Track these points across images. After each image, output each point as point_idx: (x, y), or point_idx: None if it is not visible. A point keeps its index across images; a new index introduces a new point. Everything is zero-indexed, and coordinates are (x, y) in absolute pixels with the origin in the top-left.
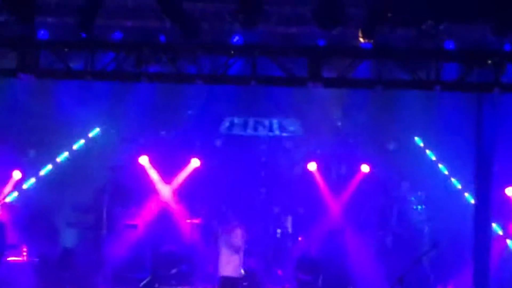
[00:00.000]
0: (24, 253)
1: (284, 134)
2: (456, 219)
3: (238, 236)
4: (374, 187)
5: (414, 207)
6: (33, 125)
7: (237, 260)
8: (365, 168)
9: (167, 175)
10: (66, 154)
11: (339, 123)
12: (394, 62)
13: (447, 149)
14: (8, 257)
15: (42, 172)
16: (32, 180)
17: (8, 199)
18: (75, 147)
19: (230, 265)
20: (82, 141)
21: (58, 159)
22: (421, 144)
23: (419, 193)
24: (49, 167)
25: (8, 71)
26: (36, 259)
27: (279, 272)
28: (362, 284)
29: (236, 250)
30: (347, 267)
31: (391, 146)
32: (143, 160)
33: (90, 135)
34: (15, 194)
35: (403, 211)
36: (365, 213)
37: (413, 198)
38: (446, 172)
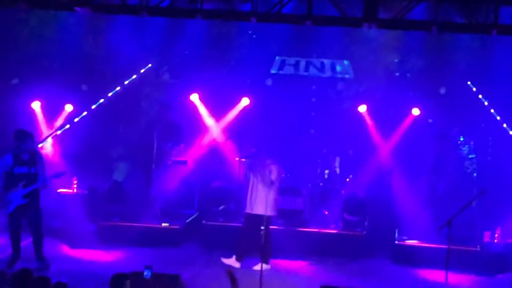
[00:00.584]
0: (75, 185)
1: (336, 76)
2: (506, 166)
3: (274, 172)
4: (426, 132)
5: (465, 152)
6: (86, 60)
7: (272, 197)
8: (415, 112)
9: (217, 113)
10: (117, 89)
11: (392, 67)
12: (451, 4)
13: (500, 96)
14: (58, 189)
15: (94, 106)
16: (84, 113)
17: (59, 132)
18: (126, 82)
19: (265, 203)
20: (134, 77)
21: (110, 94)
22: (474, 89)
23: (471, 142)
24: (101, 101)
25: (64, 5)
26: (86, 192)
27: (326, 212)
28: (408, 227)
29: (271, 186)
30: (394, 209)
31: (443, 91)
32: (194, 97)
33: (142, 71)
34: (67, 127)
35: (457, 158)
36: (416, 156)
37: (466, 147)
38: (498, 118)
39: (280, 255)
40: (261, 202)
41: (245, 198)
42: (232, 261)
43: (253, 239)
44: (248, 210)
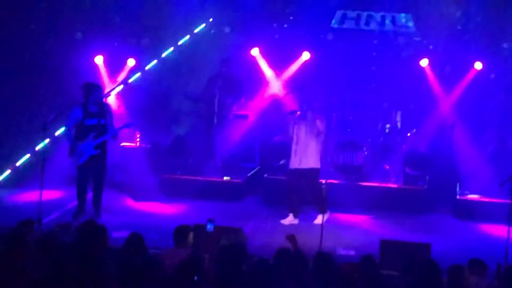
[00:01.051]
0: (138, 139)
1: (397, 30)
2: None
3: (322, 123)
4: (489, 86)
5: None
6: (147, 14)
7: (315, 150)
8: (478, 66)
9: (278, 67)
10: (186, 38)
11: (454, 21)
12: None
13: None
14: (122, 143)
15: (154, 62)
16: (153, 63)
17: (122, 86)
18: (187, 37)
19: (312, 156)
20: (196, 30)
21: (170, 50)
22: None
23: None
24: (164, 55)
25: None
26: (149, 146)
27: (387, 166)
28: (470, 182)
29: (315, 139)
30: (456, 164)
31: (506, 45)
32: (255, 51)
33: (203, 25)
34: (130, 81)
35: None
36: (478, 111)
37: None
38: None
39: (341, 209)
40: (306, 155)
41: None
42: (290, 219)
43: (303, 194)
44: (293, 166)
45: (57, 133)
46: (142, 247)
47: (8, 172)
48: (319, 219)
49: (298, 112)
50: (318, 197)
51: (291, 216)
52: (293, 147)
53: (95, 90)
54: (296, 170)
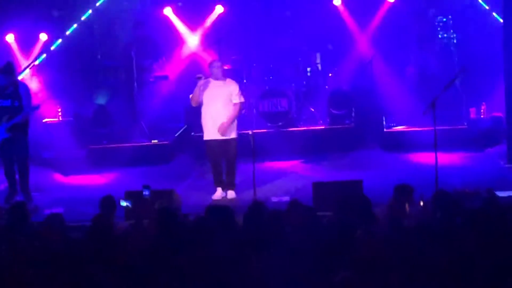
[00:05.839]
0: (59, 114)
1: None
2: (484, 41)
3: (236, 89)
4: (403, 16)
5: (444, 31)
6: None
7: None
8: None
9: (193, 24)
10: (89, 12)
11: None
12: None
13: None
14: (44, 119)
15: (68, 32)
16: (59, 41)
17: (37, 62)
18: (98, 4)
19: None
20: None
21: (83, 18)
22: None
23: (447, 18)
24: (74, 26)
25: None
26: (71, 118)
27: (312, 109)
28: (395, 114)
29: (234, 104)
30: (380, 98)
31: None
32: (168, 11)
33: None
34: (44, 56)
35: (437, 38)
36: (395, 42)
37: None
38: None
39: (271, 157)
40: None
41: None
42: (219, 194)
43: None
44: (209, 136)
45: None
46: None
47: None
48: (218, 194)
49: (205, 77)
50: (231, 171)
51: (219, 190)
52: (206, 115)
53: (5, 70)
54: (214, 141)
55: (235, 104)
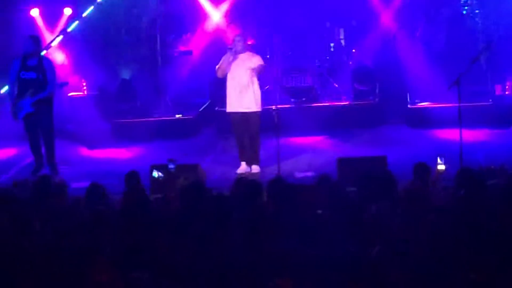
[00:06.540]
0: (84, 88)
1: None
2: (510, 17)
3: (251, 61)
4: None
5: (469, 8)
6: None
7: (259, 91)
8: None
9: None
10: None
11: None
12: None
13: None
14: (69, 93)
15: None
16: (89, 9)
17: (62, 37)
18: None
19: (253, 97)
20: None
21: None
22: None
23: None
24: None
25: None
26: (96, 93)
27: (336, 85)
28: (420, 89)
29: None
30: (404, 74)
31: None
32: None
33: None
34: (68, 30)
35: (462, 15)
36: (420, 18)
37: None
38: None
39: (295, 133)
40: (247, 97)
41: None
42: (244, 168)
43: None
44: (234, 108)
45: (3, 90)
46: (103, 195)
47: None
48: (242, 169)
49: (232, 48)
50: (255, 145)
51: (243, 164)
52: (230, 87)
53: (30, 42)
54: (236, 113)
55: (259, 65)
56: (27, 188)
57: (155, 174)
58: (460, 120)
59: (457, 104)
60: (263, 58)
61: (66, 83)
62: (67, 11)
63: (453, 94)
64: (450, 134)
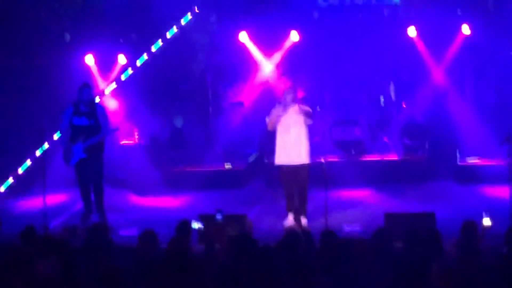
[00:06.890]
0: (136, 136)
1: (382, 2)
2: None
3: (295, 114)
4: (475, 49)
5: None
6: (133, 9)
7: (308, 143)
8: (465, 30)
9: (268, 50)
10: (174, 29)
11: None
12: None
13: None
14: (121, 141)
15: (145, 56)
16: (143, 58)
17: (115, 85)
18: (175, 29)
19: (302, 150)
20: (183, 22)
21: (160, 43)
22: None
23: None
24: (153, 49)
25: None
26: (148, 141)
27: (385, 139)
28: (469, 145)
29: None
30: (454, 130)
31: (491, 4)
32: (243, 36)
33: (189, 16)
34: (123, 78)
35: (506, 70)
36: (471, 75)
37: None
38: None
39: (343, 186)
40: (296, 149)
41: None
42: (291, 220)
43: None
44: (282, 162)
45: (56, 136)
46: (155, 242)
47: (10, 180)
48: (290, 220)
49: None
50: (303, 197)
51: (290, 216)
52: (279, 140)
53: (84, 89)
54: (286, 166)
55: (308, 111)
56: (76, 235)
57: (195, 225)
58: (510, 177)
59: (507, 161)
60: (313, 110)
61: (117, 129)
62: (121, 58)
63: (503, 150)
64: (499, 192)
